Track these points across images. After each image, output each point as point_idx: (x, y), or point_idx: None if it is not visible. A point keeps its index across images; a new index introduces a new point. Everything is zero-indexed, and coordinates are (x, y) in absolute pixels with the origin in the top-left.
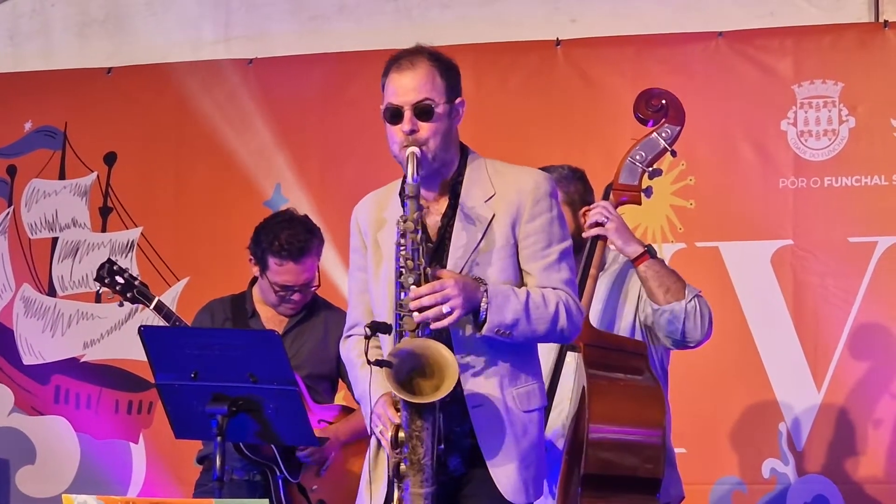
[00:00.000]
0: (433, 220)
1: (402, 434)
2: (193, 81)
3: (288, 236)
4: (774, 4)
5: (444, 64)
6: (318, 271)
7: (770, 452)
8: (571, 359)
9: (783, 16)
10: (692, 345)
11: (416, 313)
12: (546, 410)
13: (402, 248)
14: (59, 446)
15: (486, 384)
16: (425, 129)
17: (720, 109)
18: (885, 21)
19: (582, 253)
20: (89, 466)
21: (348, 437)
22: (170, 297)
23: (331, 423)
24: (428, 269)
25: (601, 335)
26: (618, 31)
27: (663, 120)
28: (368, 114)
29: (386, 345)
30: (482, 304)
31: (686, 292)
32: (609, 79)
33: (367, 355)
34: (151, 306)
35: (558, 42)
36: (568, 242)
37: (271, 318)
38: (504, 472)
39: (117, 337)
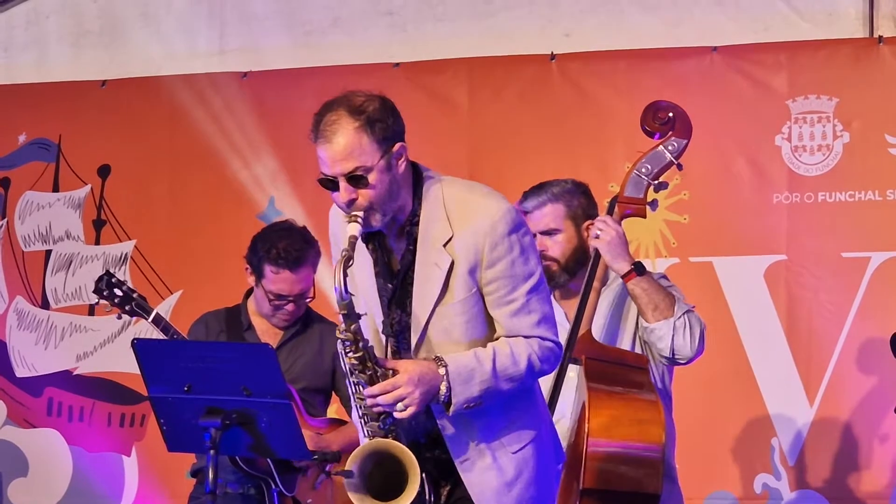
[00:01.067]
0: (394, 260)
1: None
2: (188, 94)
3: (286, 245)
4: (769, 19)
5: (370, 117)
6: (314, 284)
7: (762, 467)
8: (573, 372)
9: (777, 31)
10: (683, 361)
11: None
12: None
13: (347, 352)
14: (52, 459)
15: (469, 437)
16: (364, 195)
17: (714, 124)
18: (880, 37)
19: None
20: (82, 479)
21: (340, 447)
22: (163, 310)
23: (323, 435)
24: (378, 368)
25: (603, 348)
26: (612, 45)
27: (670, 133)
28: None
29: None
30: (442, 388)
31: (675, 309)
32: (603, 93)
33: (315, 461)
34: (150, 319)
35: (553, 56)
36: (534, 277)
37: (266, 331)
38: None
39: (110, 350)
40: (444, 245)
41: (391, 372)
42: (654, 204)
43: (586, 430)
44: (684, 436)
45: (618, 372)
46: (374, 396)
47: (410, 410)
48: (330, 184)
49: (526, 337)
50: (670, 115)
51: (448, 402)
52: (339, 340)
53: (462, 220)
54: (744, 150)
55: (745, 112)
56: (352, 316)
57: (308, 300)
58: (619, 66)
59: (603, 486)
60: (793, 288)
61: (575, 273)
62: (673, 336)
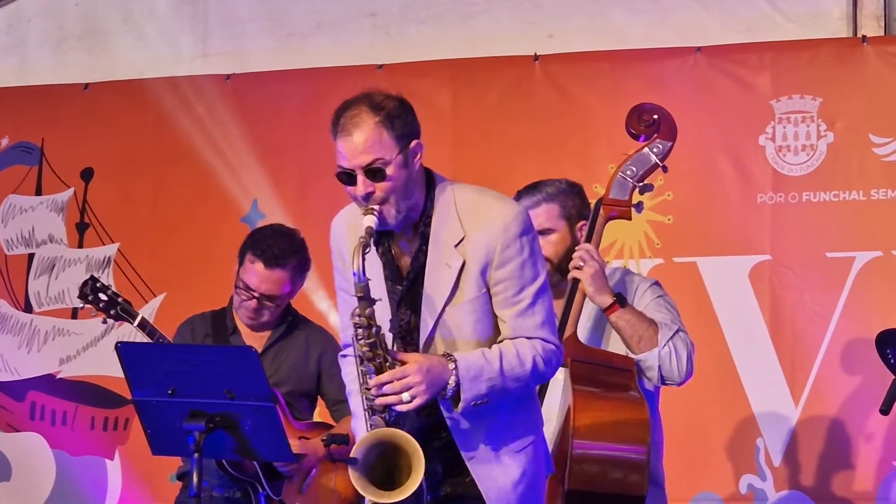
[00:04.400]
0: (405, 262)
1: None
2: (171, 97)
3: (272, 243)
4: (752, 20)
5: (389, 113)
6: (287, 293)
7: (747, 468)
8: (559, 374)
9: (761, 31)
10: (674, 385)
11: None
12: None
13: (359, 338)
14: (35, 463)
15: (476, 433)
16: (381, 188)
17: (698, 124)
18: (864, 36)
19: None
20: (65, 483)
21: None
22: (147, 313)
23: (309, 439)
24: (388, 357)
25: (588, 351)
26: (596, 46)
27: (655, 135)
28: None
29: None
30: (450, 383)
31: (660, 338)
32: (587, 94)
33: (328, 447)
34: (135, 323)
35: (536, 57)
36: (540, 280)
37: (251, 334)
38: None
39: (94, 353)
40: (456, 245)
41: (399, 364)
42: (639, 206)
43: (571, 431)
44: (670, 437)
45: (603, 374)
46: (382, 385)
47: (416, 402)
48: (347, 177)
49: (529, 338)
50: (655, 117)
51: (456, 396)
52: (353, 325)
53: (474, 222)
54: (728, 151)
55: (728, 112)
56: (367, 299)
57: (273, 304)
58: (603, 67)
59: (588, 487)
60: (777, 288)
61: (566, 273)
62: (660, 366)
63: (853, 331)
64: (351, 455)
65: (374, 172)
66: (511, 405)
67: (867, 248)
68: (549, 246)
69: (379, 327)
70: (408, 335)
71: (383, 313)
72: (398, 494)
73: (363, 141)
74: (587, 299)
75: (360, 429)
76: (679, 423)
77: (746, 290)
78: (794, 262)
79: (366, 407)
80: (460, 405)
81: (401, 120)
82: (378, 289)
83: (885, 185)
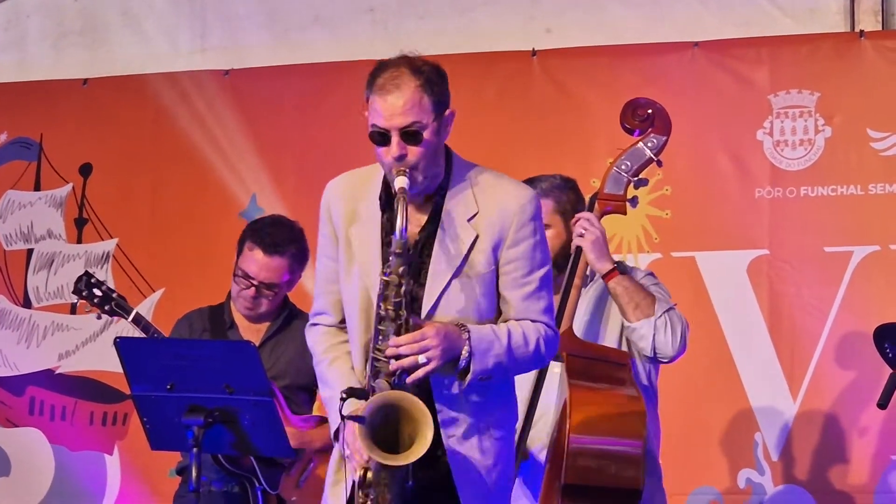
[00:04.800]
0: (411, 231)
1: (370, 476)
2: (170, 92)
3: (271, 231)
4: (750, 14)
5: (430, 79)
6: (286, 281)
7: (746, 462)
8: (556, 368)
9: (759, 26)
10: (665, 360)
11: (393, 360)
12: (528, 421)
13: (386, 297)
14: (34, 458)
15: (461, 413)
16: (414, 153)
17: (696, 119)
18: (861, 31)
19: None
20: (64, 478)
21: (323, 445)
22: (145, 308)
23: (307, 432)
24: (409, 319)
25: (584, 345)
26: (593, 41)
27: (650, 130)
28: (345, 124)
29: (356, 348)
30: (464, 353)
31: (656, 308)
32: (585, 89)
33: (342, 399)
34: (129, 318)
35: (534, 52)
36: (548, 266)
37: (249, 329)
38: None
39: (92, 348)
40: (469, 220)
41: (417, 328)
42: (634, 201)
43: (568, 426)
44: (668, 431)
45: (599, 368)
46: (399, 347)
47: (431, 365)
48: (380, 137)
49: (533, 321)
50: (649, 111)
51: (466, 369)
52: (382, 282)
53: (490, 200)
54: (725, 146)
55: (726, 107)
56: (404, 256)
57: (271, 293)
58: (601, 61)
59: (585, 481)
60: (775, 283)
61: (562, 268)
62: (654, 335)
63: (851, 325)
64: (359, 413)
65: (411, 135)
66: (498, 393)
67: (865, 243)
68: None
69: (409, 285)
70: (408, 305)
71: (374, 282)
72: (403, 459)
73: (403, 102)
74: (584, 292)
75: (334, 399)
76: (677, 417)
77: (744, 284)
78: (792, 257)
79: (370, 371)
80: (468, 378)
81: (439, 87)
82: (370, 253)
83: (883, 180)
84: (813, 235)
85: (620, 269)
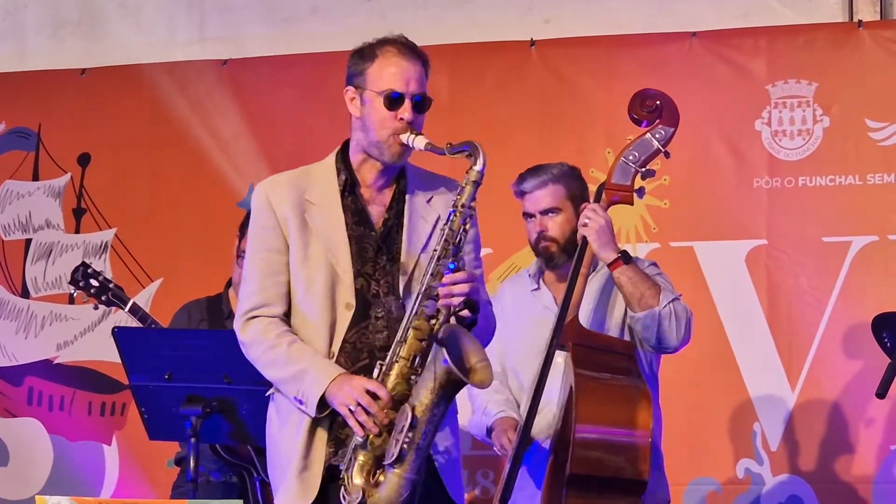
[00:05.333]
0: (377, 210)
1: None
2: (168, 82)
3: None
4: (748, 5)
5: (426, 62)
6: None
7: (744, 452)
8: (560, 358)
9: (757, 16)
10: (670, 350)
11: (441, 300)
12: (533, 410)
13: (447, 234)
14: (32, 448)
15: None
16: (417, 122)
17: (694, 109)
18: (860, 21)
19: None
20: (62, 468)
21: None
22: (143, 299)
23: None
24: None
25: (590, 335)
26: (592, 31)
27: (657, 121)
28: (343, 114)
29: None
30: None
31: (661, 298)
32: (583, 79)
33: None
34: (126, 309)
35: (533, 42)
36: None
37: None
38: (452, 478)
39: (91, 338)
40: (428, 202)
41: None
42: (640, 191)
43: (573, 416)
44: (667, 421)
45: (605, 358)
46: (457, 283)
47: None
48: (394, 101)
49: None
50: (658, 103)
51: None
52: (469, 208)
53: (440, 184)
54: (724, 135)
55: (724, 97)
56: (479, 184)
57: None
58: (599, 52)
59: (590, 472)
60: (773, 272)
61: (571, 254)
62: (658, 326)
63: (849, 315)
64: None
65: (422, 105)
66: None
67: (863, 233)
68: (556, 226)
69: (367, 220)
70: (383, 277)
71: (341, 258)
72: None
73: (418, 71)
74: (589, 280)
75: (307, 371)
76: (676, 407)
77: (743, 274)
78: (790, 247)
79: (415, 314)
80: (473, 330)
81: (427, 74)
82: (339, 234)
83: (882, 170)
84: (811, 225)
85: (625, 258)
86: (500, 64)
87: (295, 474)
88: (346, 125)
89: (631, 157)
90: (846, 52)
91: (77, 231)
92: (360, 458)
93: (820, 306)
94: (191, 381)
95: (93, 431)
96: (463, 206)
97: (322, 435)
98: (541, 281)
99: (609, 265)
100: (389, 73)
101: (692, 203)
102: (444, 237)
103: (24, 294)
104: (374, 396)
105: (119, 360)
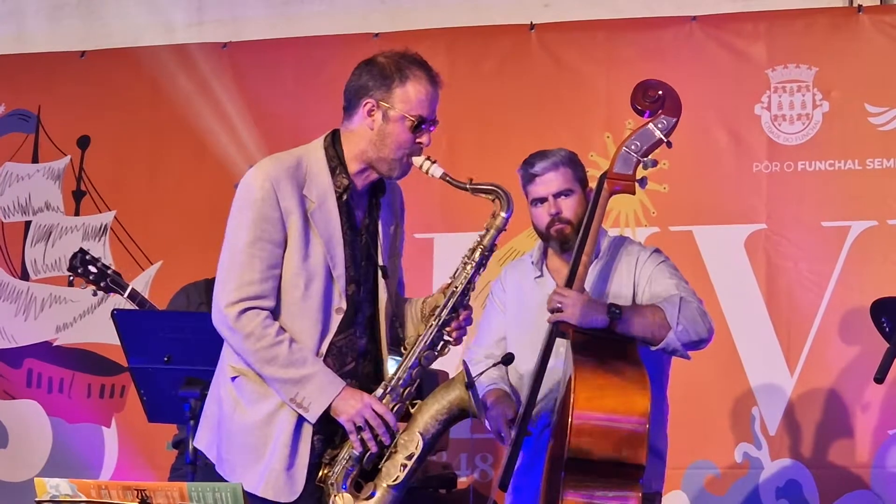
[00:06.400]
0: (360, 216)
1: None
2: (167, 65)
3: None
4: None
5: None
6: None
7: (743, 437)
8: (560, 346)
9: (757, 0)
10: (705, 345)
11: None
12: (533, 397)
13: (463, 278)
14: (32, 430)
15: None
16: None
17: (694, 94)
18: (860, 6)
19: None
20: (61, 450)
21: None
22: (143, 281)
23: None
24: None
25: None
26: (591, 15)
27: (660, 111)
28: (341, 97)
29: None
30: None
31: (669, 320)
32: (582, 63)
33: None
34: (125, 295)
35: (532, 26)
36: None
37: None
38: None
39: (90, 321)
40: (390, 208)
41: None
42: (643, 181)
43: (572, 402)
44: None
45: (604, 344)
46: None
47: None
48: (419, 128)
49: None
50: (660, 93)
51: None
52: (490, 250)
53: (396, 191)
54: (723, 120)
55: (724, 82)
56: (503, 230)
57: None
58: (599, 36)
59: (587, 456)
60: (773, 257)
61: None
62: (682, 343)
63: (848, 299)
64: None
65: (431, 130)
66: None
67: (863, 218)
68: (570, 208)
69: (354, 224)
70: (365, 283)
71: (338, 262)
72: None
73: (438, 99)
74: (591, 269)
75: (316, 374)
76: (675, 391)
77: (742, 258)
78: (789, 231)
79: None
80: None
81: None
82: (335, 238)
83: (881, 155)
84: (811, 210)
85: (614, 314)
86: (500, 47)
87: (279, 468)
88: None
89: (633, 147)
90: (846, 37)
91: (77, 213)
92: (350, 467)
93: (819, 291)
94: (190, 364)
95: (92, 414)
96: (484, 247)
97: (307, 435)
98: (544, 268)
99: (609, 327)
100: (419, 99)
101: (692, 187)
102: (462, 282)
103: (24, 276)
104: (380, 417)
105: (118, 343)
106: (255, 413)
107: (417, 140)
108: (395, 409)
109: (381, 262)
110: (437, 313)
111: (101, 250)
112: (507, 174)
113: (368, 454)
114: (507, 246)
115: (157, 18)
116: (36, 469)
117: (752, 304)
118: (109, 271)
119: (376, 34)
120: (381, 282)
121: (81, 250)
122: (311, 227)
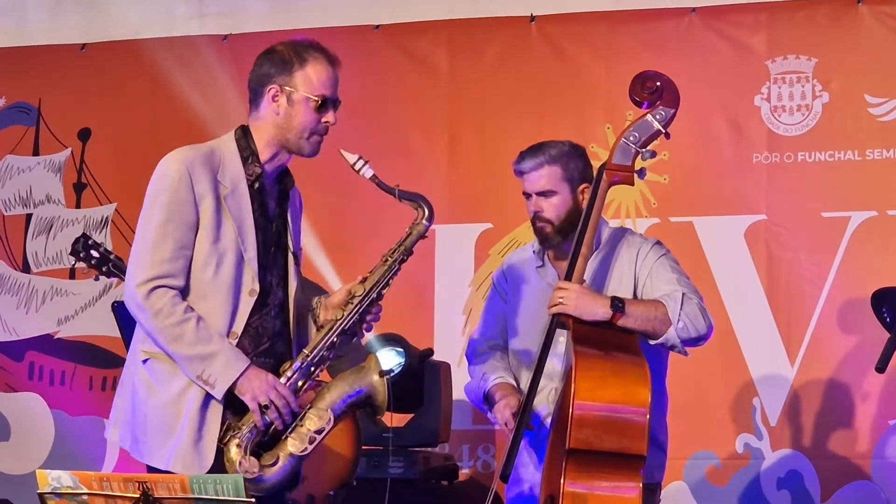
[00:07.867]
0: (271, 205)
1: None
2: (168, 58)
3: None
4: None
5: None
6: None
7: (744, 427)
8: (560, 336)
9: None
10: (703, 342)
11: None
12: (533, 388)
13: (382, 273)
14: (34, 423)
15: None
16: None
17: (694, 85)
18: None
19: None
20: (63, 443)
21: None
22: None
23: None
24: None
25: None
26: (592, 6)
27: (658, 102)
28: (340, 89)
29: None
30: None
31: (670, 315)
32: (583, 55)
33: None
34: None
35: (533, 18)
36: None
37: None
38: None
39: (91, 313)
40: (298, 199)
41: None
42: (641, 172)
43: (573, 392)
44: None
45: (605, 335)
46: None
47: None
48: (325, 105)
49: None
50: (658, 84)
51: None
52: (409, 253)
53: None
54: (723, 111)
55: (724, 72)
56: (423, 237)
57: None
58: (599, 27)
59: (589, 446)
60: (773, 248)
61: (567, 235)
62: (682, 340)
63: (849, 290)
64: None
65: (335, 108)
66: None
67: (862, 208)
68: (551, 208)
69: (266, 214)
70: (276, 268)
71: (248, 246)
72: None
73: (338, 78)
74: (590, 261)
75: (222, 351)
76: (675, 382)
77: (742, 249)
78: (789, 222)
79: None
80: None
81: None
82: (249, 223)
83: (881, 145)
84: (810, 201)
85: (617, 306)
86: (500, 39)
87: (188, 443)
88: (345, 97)
89: (631, 138)
90: (846, 28)
91: (78, 206)
92: (255, 438)
93: (819, 281)
94: None
95: (94, 406)
96: (405, 249)
97: (216, 411)
98: (545, 258)
99: (610, 321)
100: (321, 80)
101: (692, 178)
102: (382, 276)
103: (25, 269)
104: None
105: (119, 335)
106: (167, 392)
107: (323, 120)
108: (304, 386)
109: (292, 249)
110: (356, 302)
111: (102, 242)
112: (508, 165)
113: (273, 428)
114: (508, 236)
115: (158, 11)
116: (38, 461)
117: (753, 295)
118: (111, 256)
119: (377, 26)
120: (292, 267)
121: (84, 235)
122: (223, 211)
